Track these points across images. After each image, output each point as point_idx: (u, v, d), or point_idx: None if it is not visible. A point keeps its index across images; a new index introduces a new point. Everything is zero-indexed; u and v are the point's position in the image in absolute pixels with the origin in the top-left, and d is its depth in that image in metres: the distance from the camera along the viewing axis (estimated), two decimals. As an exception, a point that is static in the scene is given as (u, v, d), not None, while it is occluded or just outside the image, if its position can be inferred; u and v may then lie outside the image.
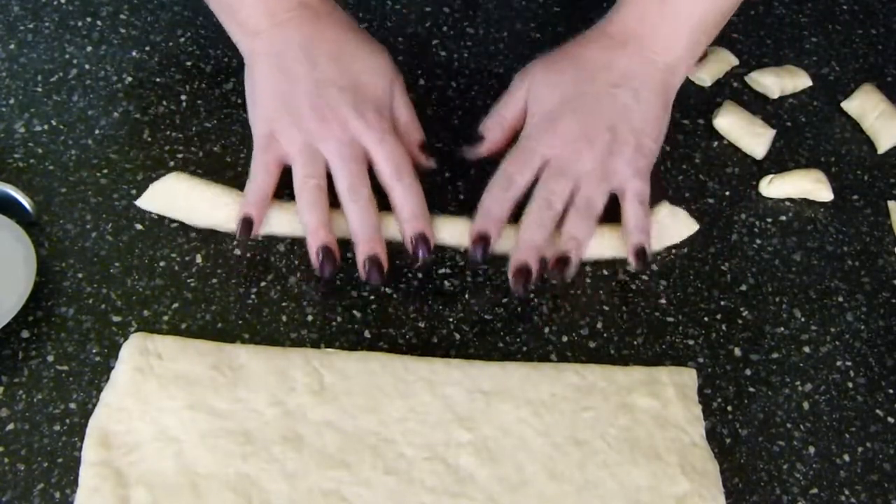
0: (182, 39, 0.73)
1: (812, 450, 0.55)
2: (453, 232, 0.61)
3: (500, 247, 0.60)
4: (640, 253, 0.60)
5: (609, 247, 0.62)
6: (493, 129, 0.64)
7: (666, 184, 0.67)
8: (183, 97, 0.69)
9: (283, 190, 0.61)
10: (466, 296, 0.60)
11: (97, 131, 0.66)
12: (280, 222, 0.61)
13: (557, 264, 0.59)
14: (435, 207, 0.62)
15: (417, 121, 0.65)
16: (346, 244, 0.62)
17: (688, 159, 0.69)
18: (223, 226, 0.61)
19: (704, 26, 0.64)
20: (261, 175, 0.60)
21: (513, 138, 0.64)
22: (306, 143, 0.60)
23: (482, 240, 0.59)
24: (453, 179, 0.66)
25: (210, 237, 0.61)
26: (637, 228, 0.61)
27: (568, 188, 0.60)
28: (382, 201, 0.61)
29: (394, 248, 0.62)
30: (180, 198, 0.61)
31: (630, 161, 0.62)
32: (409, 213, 0.59)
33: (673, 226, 0.64)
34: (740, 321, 0.61)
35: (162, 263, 0.60)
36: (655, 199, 0.63)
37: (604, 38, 0.66)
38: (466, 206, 0.63)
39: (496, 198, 0.60)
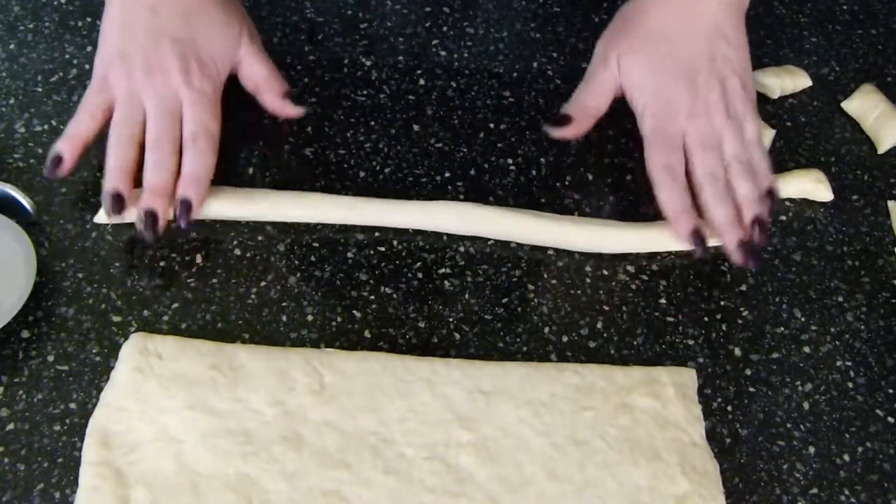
0: (182, 39, 0.72)
1: (812, 450, 0.55)
2: (229, 206, 0.62)
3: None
4: (771, 196, 0.61)
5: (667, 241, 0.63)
6: (581, 116, 0.65)
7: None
8: (183, 97, 0.69)
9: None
10: (466, 296, 0.60)
11: (97, 131, 0.66)
12: (231, 207, 0.61)
13: (756, 230, 0.60)
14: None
15: (276, 72, 0.66)
16: (346, 244, 0.62)
17: (688, 159, 0.69)
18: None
19: None
20: (84, 117, 0.61)
21: (593, 125, 0.66)
22: (130, 91, 0.61)
23: (696, 234, 0.60)
24: (453, 180, 0.66)
25: (210, 237, 0.61)
26: (763, 174, 0.62)
27: (718, 155, 0.62)
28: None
29: (395, 254, 0.62)
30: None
31: (743, 103, 0.64)
32: (185, 175, 0.60)
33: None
34: (740, 321, 0.61)
35: (162, 263, 0.60)
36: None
37: None
38: (466, 206, 0.64)
39: (673, 194, 0.61)
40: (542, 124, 0.66)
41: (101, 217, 0.61)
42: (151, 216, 0.58)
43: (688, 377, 0.56)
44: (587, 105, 0.66)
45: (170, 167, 0.59)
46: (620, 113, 0.70)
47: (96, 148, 0.65)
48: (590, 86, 0.66)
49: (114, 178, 0.59)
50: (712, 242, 0.61)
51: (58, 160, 0.60)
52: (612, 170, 0.67)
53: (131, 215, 0.60)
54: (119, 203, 0.58)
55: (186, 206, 0.59)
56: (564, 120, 0.65)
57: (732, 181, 0.61)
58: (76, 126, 0.61)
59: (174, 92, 0.61)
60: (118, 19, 0.63)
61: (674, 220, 0.61)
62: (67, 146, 0.60)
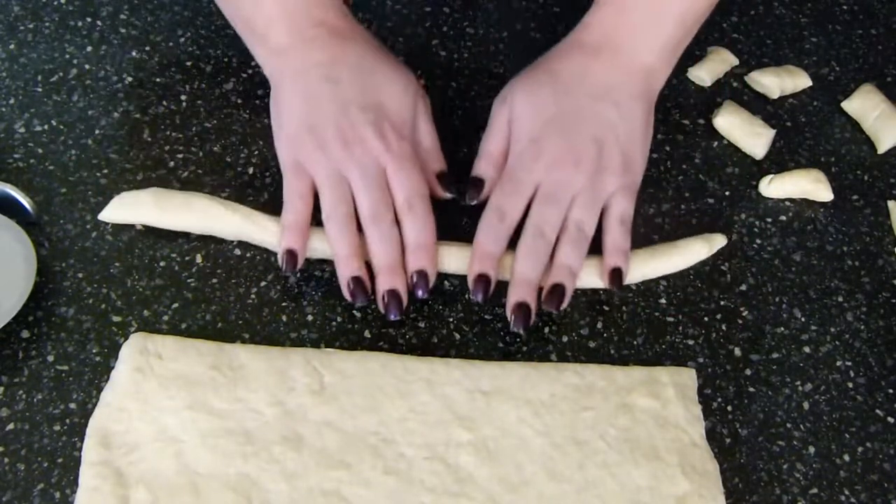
0: (182, 39, 0.73)
1: (812, 450, 0.55)
2: (459, 262, 0.60)
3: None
4: (615, 274, 0.59)
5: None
6: (488, 169, 0.63)
7: (666, 184, 0.67)
8: (183, 97, 0.69)
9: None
10: (466, 296, 0.60)
11: (97, 131, 0.66)
12: (316, 246, 0.60)
13: (551, 295, 0.58)
14: (435, 209, 0.62)
15: (439, 148, 0.64)
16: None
17: (688, 159, 0.69)
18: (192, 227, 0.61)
19: (683, 26, 0.63)
20: (297, 203, 0.59)
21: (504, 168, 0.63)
22: (332, 170, 0.59)
23: (482, 280, 0.58)
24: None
25: (210, 237, 0.61)
26: (615, 250, 0.60)
27: (560, 214, 0.59)
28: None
29: (394, 248, 0.62)
30: (146, 205, 0.60)
31: (616, 177, 0.61)
32: (414, 245, 0.58)
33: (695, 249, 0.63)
34: (740, 321, 0.61)
35: (162, 263, 0.60)
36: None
37: (579, 48, 0.64)
38: (466, 210, 0.64)
39: (490, 234, 0.59)
40: (462, 200, 0.63)
41: (105, 215, 0.61)
42: (395, 296, 0.57)
43: (688, 377, 0.56)
44: (492, 154, 0.63)
45: (395, 240, 0.58)
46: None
47: (98, 147, 0.65)
48: (490, 129, 0.64)
49: (352, 264, 0.57)
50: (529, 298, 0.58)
51: (292, 254, 0.58)
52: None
53: (135, 217, 0.60)
54: (363, 289, 0.57)
55: (423, 276, 0.57)
56: (478, 184, 0.62)
57: (560, 244, 0.59)
58: (293, 215, 0.59)
59: (376, 160, 0.59)
60: (295, 97, 0.61)
61: (473, 258, 0.58)
62: (295, 238, 0.58)
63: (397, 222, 0.59)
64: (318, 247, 0.60)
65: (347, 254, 0.58)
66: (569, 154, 0.60)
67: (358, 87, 0.61)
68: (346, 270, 0.57)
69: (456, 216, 0.63)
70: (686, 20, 0.63)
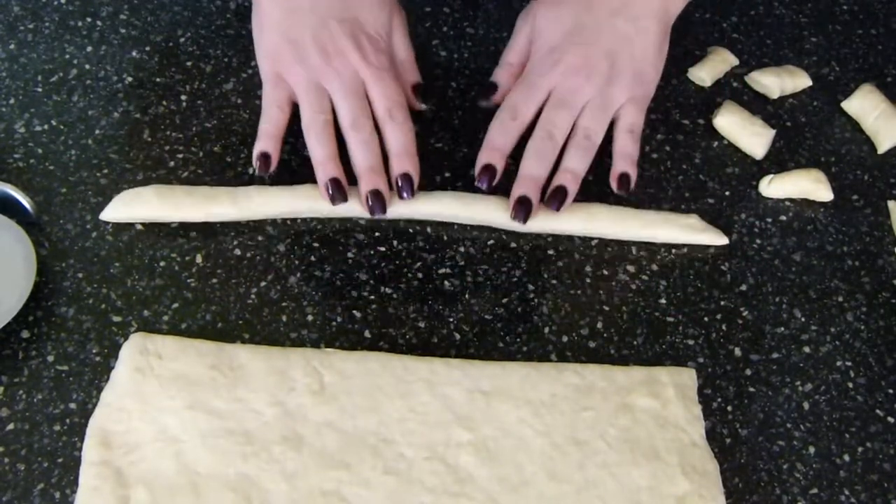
0: (182, 39, 0.73)
1: (812, 450, 0.55)
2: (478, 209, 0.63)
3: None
4: (624, 179, 0.63)
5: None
6: (504, 76, 0.67)
7: (666, 184, 0.67)
8: (183, 97, 0.69)
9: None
10: (466, 296, 0.60)
11: (97, 131, 0.66)
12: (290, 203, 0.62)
13: (554, 196, 0.61)
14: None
15: (414, 61, 0.67)
16: (346, 244, 0.62)
17: (688, 159, 0.69)
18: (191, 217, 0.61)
19: None
20: (274, 112, 0.62)
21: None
22: (311, 80, 0.62)
23: (487, 170, 0.61)
24: (453, 180, 0.66)
25: (210, 237, 0.61)
26: (623, 156, 0.63)
27: (569, 119, 0.62)
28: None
29: (395, 254, 0.62)
30: (149, 202, 0.61)
31: (627, 88, 0.64)
32: (396, 151, 0.61)
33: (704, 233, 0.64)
34: (740, 321, 0.61)
35: (162, 263, 0.60)
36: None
37: None
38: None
39: (501, 129, 0.62)
40: (479, 103, 0.67)
41: (107, 214, 0.61)
42: (378, 195, 0.59)
43: (688, 377, 0.56)
44: (511, 64, 0.67)
45: (375, 146, 0.61)
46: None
47: (98, 147, 0.65)
48: (511, 42, 0.68)
49: (328, 167, 0.60)
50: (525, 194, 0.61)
51: (265, 157, 0.61)
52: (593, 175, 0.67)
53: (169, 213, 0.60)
54: (341, 190, 0.60)
55: (408, 179, 0.60)
56: (492, 88, 0.67)
57: (567, 149, 0.62)
58: (269, 123, 0.62)
59: (354, 71, 0.62)
60: (277, 8, 0.63)
61: (482, 151, 0.62)
62: (269, 143, 0.61)
63: (377, 133, 0.61)
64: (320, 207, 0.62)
65: (325, 157, 0.60)
66: (583, 64, 0.63)
67: (336, 1, 0.63)
68: (325, 174, 0.60)
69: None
70: None
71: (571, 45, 0.64)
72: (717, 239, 0.64)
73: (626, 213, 0.63)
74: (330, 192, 0.59)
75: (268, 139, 0.61)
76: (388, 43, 0.65)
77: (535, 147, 0.62)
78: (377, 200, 0.60)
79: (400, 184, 0.60)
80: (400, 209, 0.62)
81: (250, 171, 0.63)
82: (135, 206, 0.61)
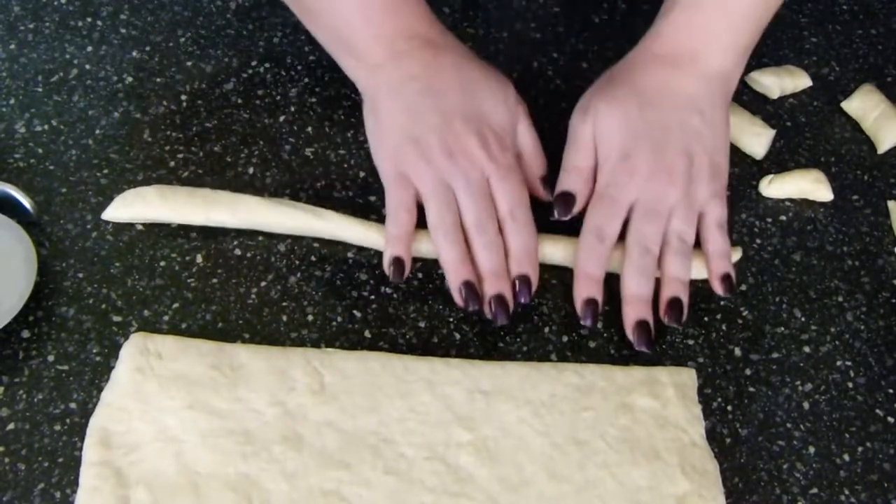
0: (182, 39, 0.73)
1: (812, 450, 0.55)
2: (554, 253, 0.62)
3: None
4: (726, 280, 0.60)
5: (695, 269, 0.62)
6: (578, 184, 0.62)
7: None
8: (183, 97, 0.69)
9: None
10: (466, 296, 0.60)
11: (97, 131, 0.66)
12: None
13: (670, 310, 0.58)
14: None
15: (541, 152, 0.64)
16: (346, 244, 0.62)
17: (688, 159, 0.69)
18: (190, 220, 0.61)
19: (753, 24, 0.63)
20: (402, 214, 0.59)
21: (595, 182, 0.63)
22: (437, 180, 0.60)
23: (590, 304, 0.58)
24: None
25: (210, 237, 0.61)
26: (719, 255, 0.60)
27: (660, 229, 0.60)
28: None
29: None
30: (151, 202, 0.61)
31: (708, 184, 0.61)
32: (516, 253, 0.59)
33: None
34: (740, 321, 0.61)
35: (162, 263, 0.60)
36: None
37: (656, 60, 0.64)
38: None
39: (592, 257, 0.59)
40: (551, 213, 0.62)
41: (109, 214, 0.61)
42: (502, 301, 0.57)
43: (688, 377, 0.56)
44: (580, 168, 0.63)
45: (499, 248, 0.59)
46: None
47: (98, 147, 0.65)
48: (574, 144, 0.63)
49: (462, 271, 0.58)
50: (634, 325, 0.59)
51: (398, 263, 0.58)
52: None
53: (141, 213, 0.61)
54: (474, 293, 0.57)
55: (526, 282, 0.58)
56: (569, 199, 0.62)
57: (665, 257, 0.59)
58: (398, 226, 0.59)
59: (480, 170, 0.60)
60: (395, 109, 0.61)
61: (577, 282, 0.59)
62: (401, 247, 0.58)
63: (500, 232, 0.60)
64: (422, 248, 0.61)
65: (457, 260, 0.58)
66: (662, 168, 0.60)
67: (459, 99, 0.61)
68: (458, 276, 0.58)
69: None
70: (756, 18, 0.63)
71: (644, 150, 0.61)
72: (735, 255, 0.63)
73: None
74: (463, 295, 0.57)
75: (398, 243, 0.59)
76: (512, 138, 0.63)
77: (634, 265, 0.59)
78: (500, 306, 0.57)
79: (518, 286, 0.58)
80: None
81: (386, 274, 0.59)
82: (136, 205, 0.61)
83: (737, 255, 0.63)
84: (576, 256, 0.60)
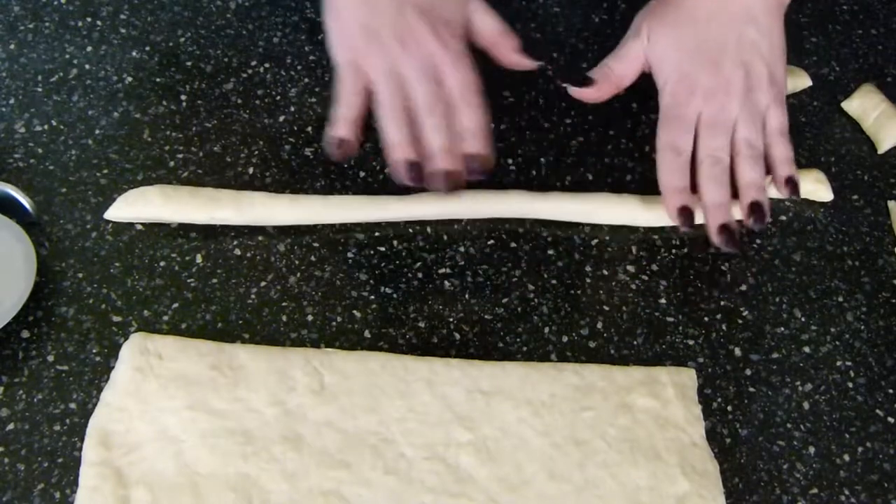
0: (182, 39, 0.73)
1: (812, 450, 0.55)
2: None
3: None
4: (790, 182, 0.63)
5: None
6: (602, 80, 0.67)
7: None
8: (183, 97, 0.69)
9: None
10: (466, 296, 0.60)
11: (97, 131, 0.66)
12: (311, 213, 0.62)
13: (753, 213, 0.61)
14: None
15: (507, 27, 0.66)
16: (346, 244, 0.62)
17: (688, 159, 0.69)
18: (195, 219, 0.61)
19: None
20: (352, 98, 0.61)
21: (614, 94, 0.67)
22: (388, 67, 0.61)
23: (684, 212, 0.61)
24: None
25: (210, 237, 0.61)
26: (783, 161, 0.63)
27: (727, 139, 0.63)
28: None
29: (395, 254, 0.62)
30: (153, 202, 0.61)
31: (767, 91, 0.64)
32: (469, 132, 0.60)
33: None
34: (740, 321, 0.61)
35: (162, 263, 0.60)
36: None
37: None
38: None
39: (672, 169, 0.62)
40: (563, 85, 0.67)
41: (111, 214, 0.61)
42: (452, 174, 0.58)
43: (688, 377, 0.56)
44: (612, 70, 0.67)
45: (448, 129, 0.60)
46: (621, 113, 0.70)
47: (98, 147, 0.65)
48: (618, 53, 0.67)
49: (404, 149, 0.59)
50: (700, 221, 0.62)
51: (343, 143, 0.59)
52: (612, 170, 0.67)
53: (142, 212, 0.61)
54: (418, 172, 0.59)
55: (479, 159, 0.59)
56: (586, 81, 0.66)
57: (738, 166, 0.62)
58: (347, 108, 0.60)
59: (431, 58, 0.61)
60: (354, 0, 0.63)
61: (665, 196, 0.62)
62: (348, 128, 0.60)
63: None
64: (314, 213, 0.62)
65: (402, 140, 0.59)
66: (720, 83, 0.63)
67: None
68: (402, 154, 0.59)
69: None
70: None
71: (701, 67, 0.64)
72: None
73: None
74: (405, 169, 0.58)
75: (346, 123, 0.60)
76: (464, 28, 0.65)
77: (708, 176, 0.62)
78: (453, 182, 0.59)
79: (471, 163, 0.60)
80: (518, 206, 0.63)
81: (327, 153, 0.61)
82: (138, 205, 0.61)
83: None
84: (658, 174, 0.63)
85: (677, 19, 0.66)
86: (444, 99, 0.61)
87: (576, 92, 0.67)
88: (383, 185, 0.65)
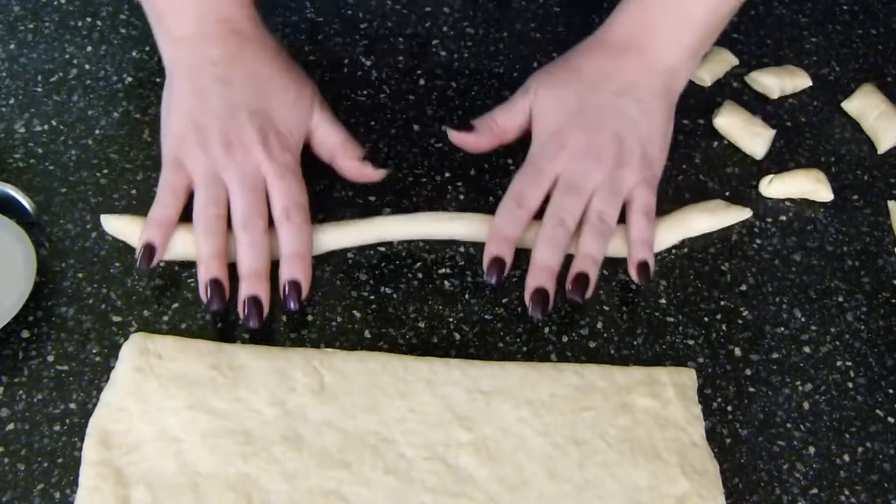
0: (182, 39, 0.72)
1: (812, 450, 0.55)
2: (466, 228, 0.62)
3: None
4: (643, 268, 0.59)
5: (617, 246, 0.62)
6: (484, 129, 0.64)
7: (666, 184, 0.67)
8: (183, 97, 0.69)
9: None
10: (466, 296, 0.60)
11: (97, 131, 0.66)
12: (184, 245, 0.59)
13: (575, 284, 0.58)
14: (435, 208, 0.63)
15: (352, 138, 0.63)
16: (350, 247, 0.62)
17: (688, 159, 0.69)
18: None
19: (706, 29, 0.64)
20: (168, 199, 0.58)
21: (496, 146, 0.65)
22: (210, 170, 0.59)
23: (497, 263, 0.58)
24: (453, 180, 0.66)
25: (210, 237, 0.61)
26: (640, 242, 0.60)
27: (580, 205, 0.60)
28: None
29: (395, 254, 0.62)
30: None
31: (637, 171, 0.61)
32: (288, 254, 0.58)
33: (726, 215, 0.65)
34: (740, 321, 0.61)
35: (162, 263, 0.60)
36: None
37: (604, 47, 0.65)
38: (467, 209, 0.64)
39: (508, 217, 0.60)
40: (444, 129, 0.65)
41: (108, 224, 0.60)
42: (255, 303, 0.56)
43: (688, 377, 0.56)
44: (495, 122, 0.64)
45: (265, 248, 0.57)
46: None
47: (98, 147, 0.65)
48: (505, 106, 0.65)
49: (211, 265, 0.56)
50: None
51: (150, 249, 0.57)
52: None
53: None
54: (220, 293, 0.56)
55: (296, 287, 0.57)
56: (466, 127, 0.64)
57: (582, 234, 0.59)
58: (161, 210, 0.58)
59: (256, 167, 0.59)
60: (185, 92, 0.61)
61: (489, 242, 0.59)
62: (157, 233, 0.57)
63: (272, 234, 0.59)
64: (186, 245, 0.59)
65: (210, 254, 0.57)
66: (591, 147, 0.61)
67: (249, 92, 0.61)
68: (206, 273, 0.57)
69: (448, 194, 0.63)
70: (709, 24, 0.64)
71: (577, 128, 0.62)
72: (743, 214, 0.65)
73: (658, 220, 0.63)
74: (208, 292, 0.56)
75: (156, 228, 0.57)
76: (298, 139, 0.62)
77: (547, 235, 0.59)
78: (254, 307, 0.56)
79: (287, 291, 0.57)
80: (392, 229, 0.61)
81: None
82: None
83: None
84: (494, 218, 0.60)
85: (566, 80, 0.64)
86: (264, 213, 0.58)
87: (455, 136, 0.64)
88: (383, 186, 0.65)
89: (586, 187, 0.60)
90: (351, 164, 0.62)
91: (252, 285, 0.56)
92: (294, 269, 0.57)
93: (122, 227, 0.60)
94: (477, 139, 0.64)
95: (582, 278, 0.58)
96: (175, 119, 0.61)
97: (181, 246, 0.59)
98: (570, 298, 0.58)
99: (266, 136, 0.59)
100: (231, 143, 0.59)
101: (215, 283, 0.56)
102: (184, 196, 0.59)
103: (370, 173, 0.63)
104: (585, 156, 0.61)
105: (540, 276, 0.58)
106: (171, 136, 0.60)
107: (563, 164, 0.61)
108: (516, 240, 0.59)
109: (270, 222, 0.59)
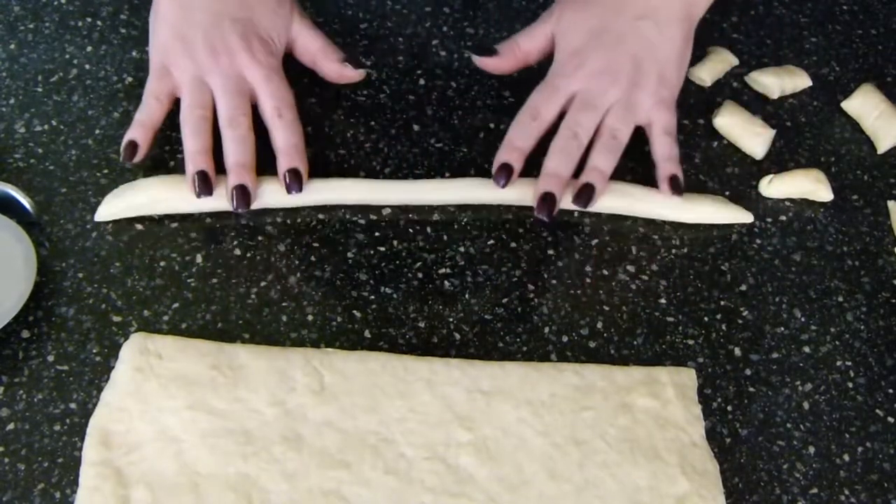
0: (182, 39, 0.72)
1: (812, 450, 0.55)
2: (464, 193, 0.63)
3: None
4: (674, 181, 0.62)
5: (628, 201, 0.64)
6: (507, 52, 0.67)
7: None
8: (183, 97, 0.69)
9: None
10: (466, 296, 0.60)
11: (97, 131, 0.66)
12: (274, 194, 0.62)
13: (581, 193, 0.61)
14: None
15: (331, 43, 0.67)
16: (346, 244, 0.62)
17: (688, 159, 0.69)
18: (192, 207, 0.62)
19: None
20: (151, 102, 0.62)
21: (518, 69, 0.68)
22: (195, 75, 0.62)
23: (505, 169, 0.61)
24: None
25: (210, 237, 0.61)
26: (667, 158, 0.63)
27: (594, 120, 0.62)
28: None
29: (395, 254, 0.62)
30: (140, 197, 0.61)
31: (654, 92, 0.63)
32: (284, 148, 0.61)
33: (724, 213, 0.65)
34: (740, 321, 0.61)
35: (162, 263, 0.60)
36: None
37: None
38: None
39: (520, 129, 0.62)
40: (468, 54, 0.68)
41: (102, 215, 0.61)
42: (243, 191, 0.59)
43: (688, 377, 0.56)
44: (517, 43, 0.67)
45: (250, 143, 0.61)
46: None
47: (98, 147, 0.65)
48: (527, 29, 0.68)
49: (198, 160, 0.60)
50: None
51: (132, 146, 0.61)
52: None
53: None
54: (207, 184, 0.59)
55: (296, 174, 0.60)
56: (489, 51, 0.67)
57: (593, 148, 0.62)
58: (145, 112, 0.62)
59: (240, 71, 0.62)
60: (172, 5, 0.64)
61: (500, 149, 0.62)
62: (139, 132, 0.61)
63: (263, 134, 0.61)
64: (274, 198, 0.62)
65: (196, 151, 0.60)
66: (608, 67, 0.64)
67: (231, 1, 0.64)
68: (193, 166, 0.60)
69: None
70: None
71: (596, 49, 0.64)
72: (745, 216, 0.65)
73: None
74: (196, 184, 0.59)
75: (139, 128, 0.61)
76: (281, 45, 0.65)
77: (559, 146, 0.62)
78: (242, 196, 0.59)
79: (288, 180, 0.60)
80: (430, 195, 0.63)
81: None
82: (126, 196, 0.61)
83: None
84: (508, 131, 0.63)
85: (588, 3, 0.67)
86: (248, 113, 0.61)
87: (479, 61, 0.68)
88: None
89: (601, 105, 0.63)
90: (332, 66, 0.66)
91: (239, 175, 0.59)
92: (293, 160, 0.60)
93: (113, 208, 0.61)
94: (499, 62, 0.67)
95: (588, 188, 0.61)
96: (161, 30, 0.64)
97: (271, 195, 0.61)
98: (574, 205, 0.61)
99: (250, 41, 0.63)
100: (216, 50, 0.62)
101: (202, 175, 0.59)
102: (167, 102, 0.62)
103: (350, 74, 0.67)
104: (602, 75, 0.63)
105: (549, 182, 0.60)
106: (157, 46, 0.64)
107: (580, 83, 0.63)
108: (527, 150, 0.62)
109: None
